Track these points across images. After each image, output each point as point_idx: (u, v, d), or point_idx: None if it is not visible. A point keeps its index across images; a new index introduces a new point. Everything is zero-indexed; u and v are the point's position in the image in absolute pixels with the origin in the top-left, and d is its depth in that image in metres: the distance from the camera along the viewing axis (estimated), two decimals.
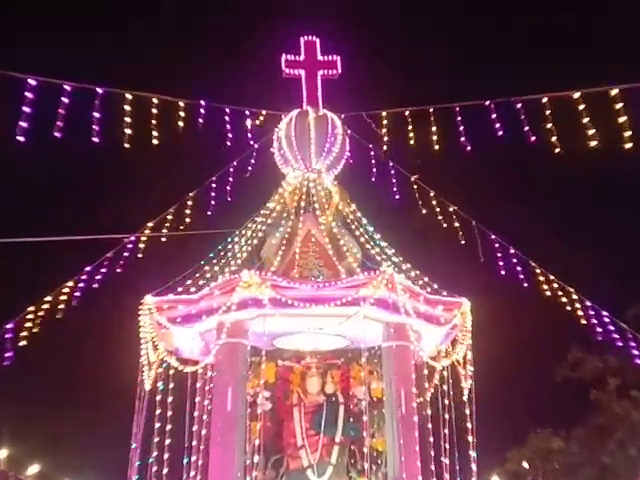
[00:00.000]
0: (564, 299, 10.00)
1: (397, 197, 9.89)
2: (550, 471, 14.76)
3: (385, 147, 9.85)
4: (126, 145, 8.15)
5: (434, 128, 9.28)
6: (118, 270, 9.07)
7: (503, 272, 10.15)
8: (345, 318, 7.88)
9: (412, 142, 9.52)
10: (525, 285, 10.19)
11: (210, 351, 8.22)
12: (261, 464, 7.96)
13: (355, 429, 8.32)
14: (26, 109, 7.03)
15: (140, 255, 9.21)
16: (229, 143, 9.42)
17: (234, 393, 7.80)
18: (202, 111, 9.00)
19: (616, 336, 9.89)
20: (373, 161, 10.09)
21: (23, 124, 6.97)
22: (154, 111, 8.60)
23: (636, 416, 13.17)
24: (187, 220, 9.65)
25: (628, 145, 7.69)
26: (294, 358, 8.84)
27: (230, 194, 9.83)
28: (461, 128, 8.96)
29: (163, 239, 9.64)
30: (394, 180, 9.98)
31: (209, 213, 9.82)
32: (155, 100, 8.65)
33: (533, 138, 8.45)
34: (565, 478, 14.16)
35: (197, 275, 8.68)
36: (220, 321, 8.00)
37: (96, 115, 7.80)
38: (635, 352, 10.25)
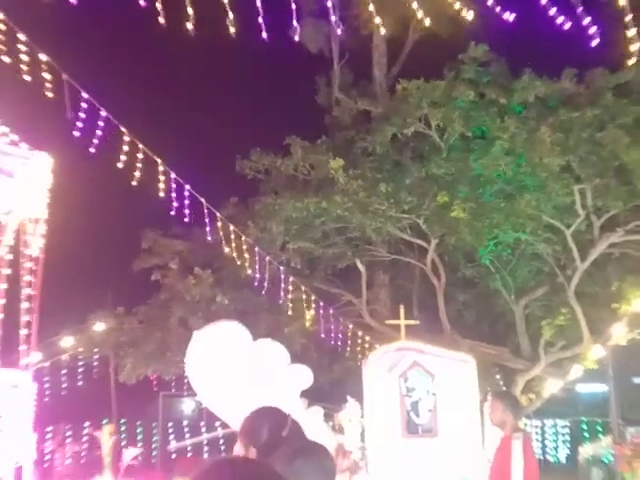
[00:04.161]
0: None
1: None
2: (118, 345, 15.43)
3: None
4: None
5: None
6: None
7: (96, 135, 9.88)
8: None
9: None
10: (116, 155, 10.07)
11: None
12: None
13: None
14: None
15: None
16: None
17: None
18: None
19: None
20: None
21: None
22: None
23: (197, 290, 14.40)
24: None
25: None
26: None
27: None
28: None
29: None
30: None
31: None
32: None
33: None
34: (132, 349, 14.91)
35: None
36: None
37: None
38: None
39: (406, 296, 15.10)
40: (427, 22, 7.92)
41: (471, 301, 16.04)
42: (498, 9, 7.49)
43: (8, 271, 7.82)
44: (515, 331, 14.51)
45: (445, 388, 9.49)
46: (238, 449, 3.47)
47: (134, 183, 9.72)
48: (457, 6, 7.91)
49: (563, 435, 22.15)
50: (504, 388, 14.44)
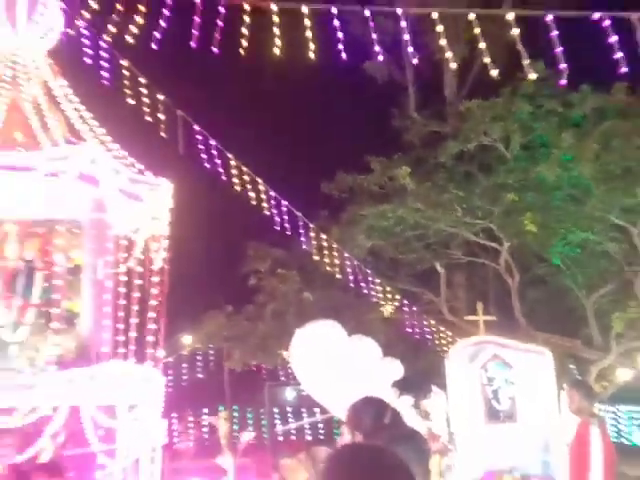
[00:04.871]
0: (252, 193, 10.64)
1: (107, 79, 9.30)
2: (228, 339, 15.98)
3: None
4: None
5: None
6: None
7: (207, 164, 10.32)
8: (47, 188, 7.39)
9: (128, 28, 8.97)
10: (223, 178, 10.48)
11: None
12: None
13: (50, 292, 7.94)
14: None
15: None
16: None
17: None
18: None
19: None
20: (86, 41, 9.31)
21: None
22: None
23: (284, 288, 14.78)
24: None
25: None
26: None
27: None
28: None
29: None
30: (106, 63, 9.36)
31: None
32: None
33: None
34: (239, 342, 15.45)
35: None
36: None
37: None
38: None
39: (482, 294, 14.91)
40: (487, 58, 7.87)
41: (543, 298, 15.66)
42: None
43: (139, 281, 8.23)
44: (586, 324, 14.10)
45: (523, 378, 9.34)
46: (345, 435, 3.55)
47: (239, 201, 10.13)
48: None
49: (637, 420, 21.25)
50: (579, 377, 14.04)
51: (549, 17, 7.61)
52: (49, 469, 5.77)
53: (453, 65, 15.02)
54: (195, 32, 7.94)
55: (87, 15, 9.10)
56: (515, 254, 14.51)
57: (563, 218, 12.85)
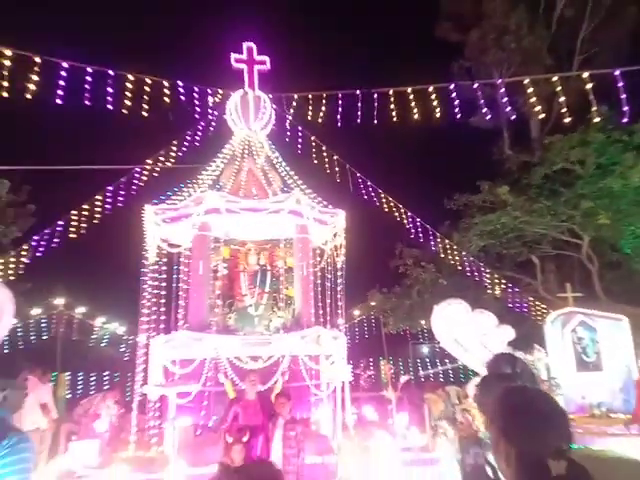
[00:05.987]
0: (397, 214, 10.88)
1: (299, 150, 10.08)
2: (384, 310, 16.15)
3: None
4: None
5: (324, 108, 9.60)
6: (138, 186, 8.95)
7: (366, 197, 10.75)
8: (271, 220, 8.22)
9: (313, 114, 9.72)
10: (380, 207, 10.86)
11: (188, 240, 8.40)
12: (220, 304, 8.30)
13: (276, 284, 8.76)
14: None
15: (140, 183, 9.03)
16: (197, 111, 9.23)
17: (204, 264, 7.99)
18: (180, 90, 8.79)
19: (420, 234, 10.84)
20: (287, 126, 10.17)
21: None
22: (146, 88, 8.39)
23: (424, 276, 14.63)
24: (172, 159, 9.55)
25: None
26: (241, 243, 9.00)
27: (200, 143, 9.72)
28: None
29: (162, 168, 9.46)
30: (300, 139, 10.14)
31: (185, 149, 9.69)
32: (148, 80, 8.40)
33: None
34: (392, 312, 15.57)
35: (179, 192, 8.66)
36: (194, 222, 8.08)
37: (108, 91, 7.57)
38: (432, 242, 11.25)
39: (569, 277, 13.80)
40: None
41: (618, 278, 14.14)
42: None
43: (329, 276, 8.77)
44: None
45: (606, 338, 8.66)
46: (477, 380, 3.57)
47: (388, 219, 10.44)
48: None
49: None
50: None
51: (617, 72, 7.10)
52: (286, 395, 6.37)
53: (535, 116, 14.19)
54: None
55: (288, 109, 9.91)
56: (594, 246, 13.33)
57: (630, 218, 11.69)
